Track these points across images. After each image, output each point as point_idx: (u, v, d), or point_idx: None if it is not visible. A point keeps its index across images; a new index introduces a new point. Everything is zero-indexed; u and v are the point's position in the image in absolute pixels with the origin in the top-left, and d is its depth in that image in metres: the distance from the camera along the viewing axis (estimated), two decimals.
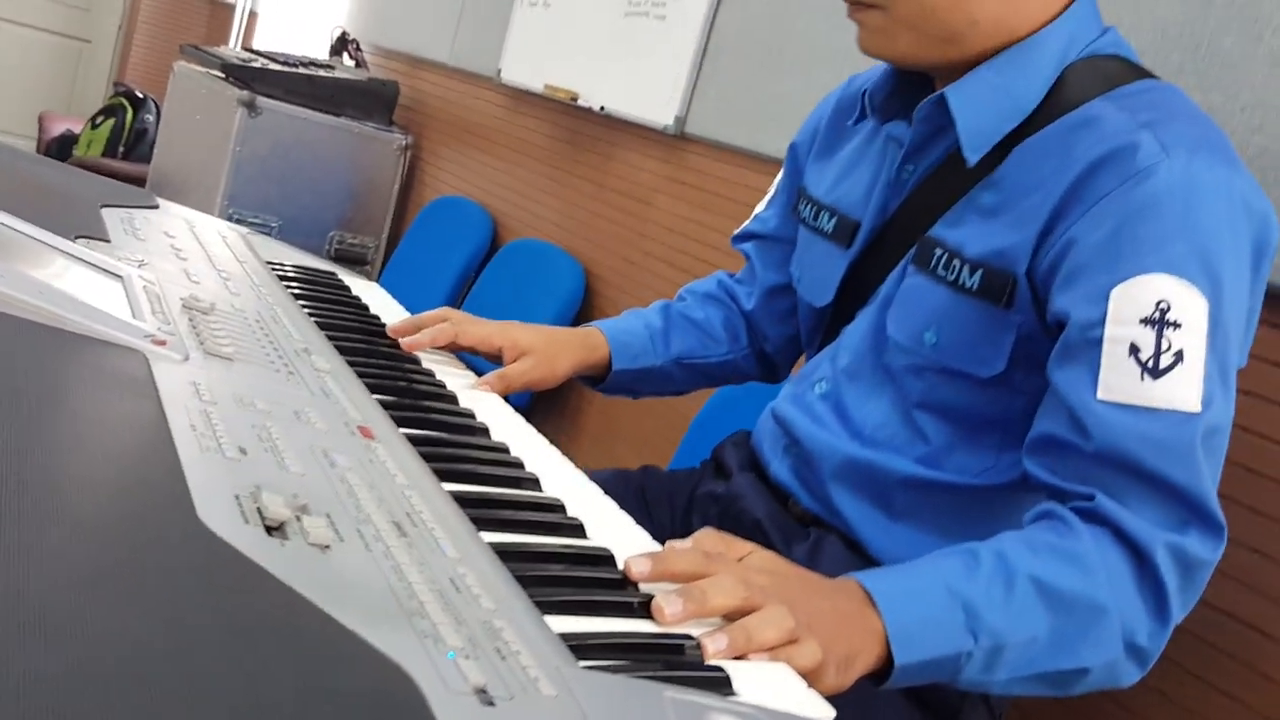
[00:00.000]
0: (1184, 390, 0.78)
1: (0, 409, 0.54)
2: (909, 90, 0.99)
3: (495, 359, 1.11)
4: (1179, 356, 0.78)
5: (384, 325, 1.09)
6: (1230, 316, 0.80)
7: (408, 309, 1.25)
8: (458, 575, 0.57)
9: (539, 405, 2.43)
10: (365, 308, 1.15)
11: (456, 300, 2.81)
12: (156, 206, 1.16)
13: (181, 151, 3.34)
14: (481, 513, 0.69)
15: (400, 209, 3.28)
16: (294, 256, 1.25)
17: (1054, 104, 0.89)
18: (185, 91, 3.34)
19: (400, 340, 1.05)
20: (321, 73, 3.21)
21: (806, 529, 1.00)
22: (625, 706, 0.51)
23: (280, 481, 0.59)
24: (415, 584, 0.54)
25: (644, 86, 2.34)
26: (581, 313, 2.43)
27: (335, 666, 0.44)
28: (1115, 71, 0.90)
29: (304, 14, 4.09)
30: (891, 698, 0.94)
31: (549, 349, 1.11)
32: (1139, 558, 0.77)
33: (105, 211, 1.05)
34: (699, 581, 0.67)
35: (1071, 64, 0.90)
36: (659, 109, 2.27)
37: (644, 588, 0.67)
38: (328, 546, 0.54)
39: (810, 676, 0.66)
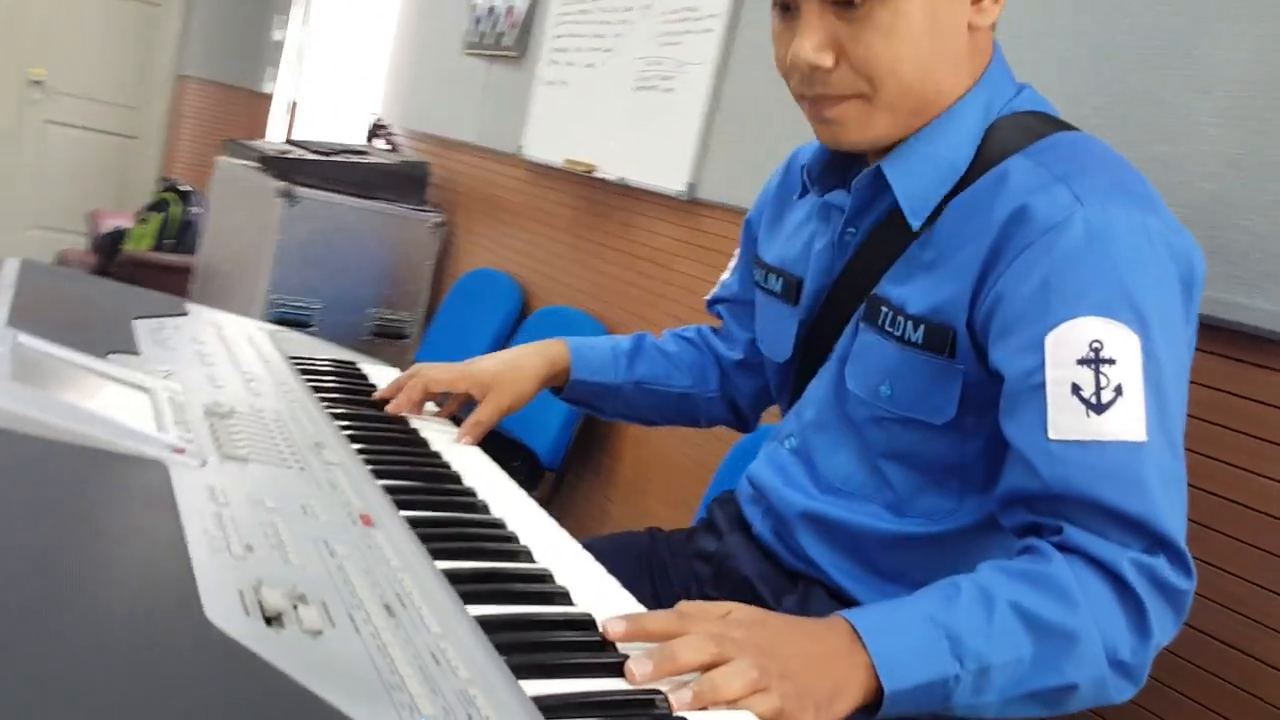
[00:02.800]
0: (1128, 423, 0.83)
1: (34, 526, 0.62)
2: (843, 163, 1.07)
3: (468, 401, 1.20)
4: (1119, 390, 0.83)
5: (386, 414, 1.18)
6: (1163, 349, 0.84)
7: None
8: (439, 649, 0.64)
9: (572, 461, 2.51)
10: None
11: None
12: (186, 314, 1.26)
13: (226, 242, 3.50)
14: (470, 587, 0.76)
15: (436, 283, 3.39)
16: (320, 349, 1.34)
17: (980, 162, 0.95)
18: (228, 184, 3.51)
19: (386, 407, 1.17)
20: (355, 159, 3.36)
21: (795, 582, 1.06)
22: None
23: (281, 575, 0.67)
24: (397, 660, 0.61)
25: (657, 156, 2.43)
26: None
27: None
28: (1032, 126, 0.95)
29: (341, 103, 4.27)
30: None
31: (511, 374, 1.20)
32: (1113, 578, 0.81)
33: (136, 324, 1.15)
34: (670, 641, 0.72)
35: (994, 123, 0.96)
36: (672, 176, 2.36)
37: (622, 648, 0.73)
38: (320, 632, 0.61)
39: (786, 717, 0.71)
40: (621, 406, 1.30)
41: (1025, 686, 0.80)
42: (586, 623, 0.76)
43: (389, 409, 1.18)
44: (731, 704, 0.70)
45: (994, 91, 0.98)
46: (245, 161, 3.40)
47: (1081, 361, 0.84)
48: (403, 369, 1.26)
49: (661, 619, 0.75)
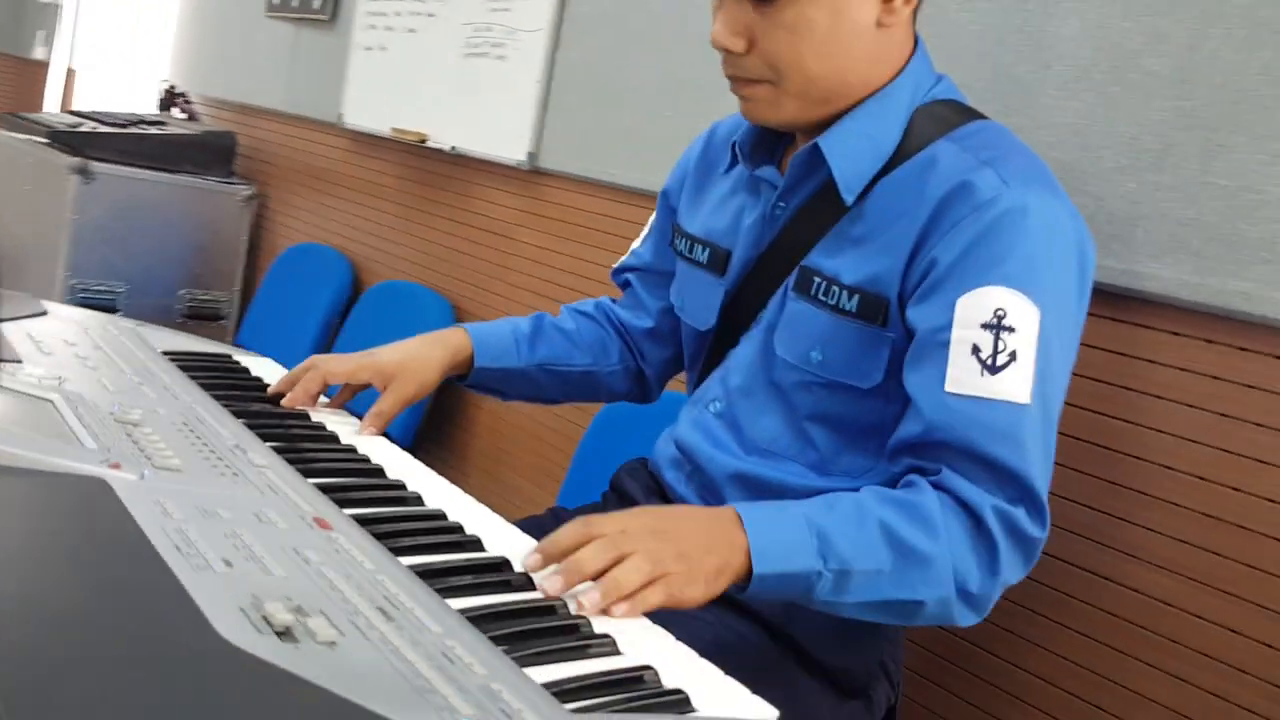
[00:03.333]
0: (1016, 385, 0.92)
1: (6, 559, 0.58)
2: (773, 140, 1.12)
3: (362, 390, 1.18)
4: (1013, 356, 0.92)
5: (281, 407, 1.14)
6: (1056, 325, 0.94)
7: (279, 362, 1.31)
8: (447, 647, 0.64)
9: (424, 439, 2.47)
10: (267, 388, 1.19)
11: (324, 348, 2.81)
12: (45, 313, 1.17)
13: (11, 225, 3.22)
14: (442, 582, 0.76)
15: (251, 260, 3.24)
16: (185, 343, 1.28)
17: (905, 146, 1.01)
18: (8, 161, 3.22)
19: (282, 401, 1.13)
20: (154, 130, 3.16)
21: None
22: None
23: (271, 587, 0.65)
24: (415, 663, 0.61)
25: (493, 125, 2.40)
26: None
27: None
28: (951, 114, 1.03)
29: (126, 70, 3.98)
30: (812, 686, 1.05)
31: (414, 363, 1.18)
32: (973, 519, 0.91)
33: (2, 327, 1.06)
34: (575, 555, 0.80)
35: (916, 109, 1.03)
36: (511, 145, 2.34)
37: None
38: (334, 643, 0.60)
39: (678, 596, 0.81)
40: (525, 388, 1.29)
41: (879, 595, 0.90)
42: (554, 608, 0.78)
43: (285, 402, 1.14)
44: (630, 597, 0.78)
45: (917, 81, 1.04)
46: (28, 136, 3.13)
47: (985, 325, 0.92)
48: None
49: (569, 532, 0.82)
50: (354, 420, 1.16)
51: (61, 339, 1.10)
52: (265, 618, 0.60)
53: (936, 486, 0.93)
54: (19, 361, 0.96)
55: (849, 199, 1.02)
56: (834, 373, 1.03)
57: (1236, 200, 1.14)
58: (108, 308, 2.96)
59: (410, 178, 2.71)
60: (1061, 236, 0.95)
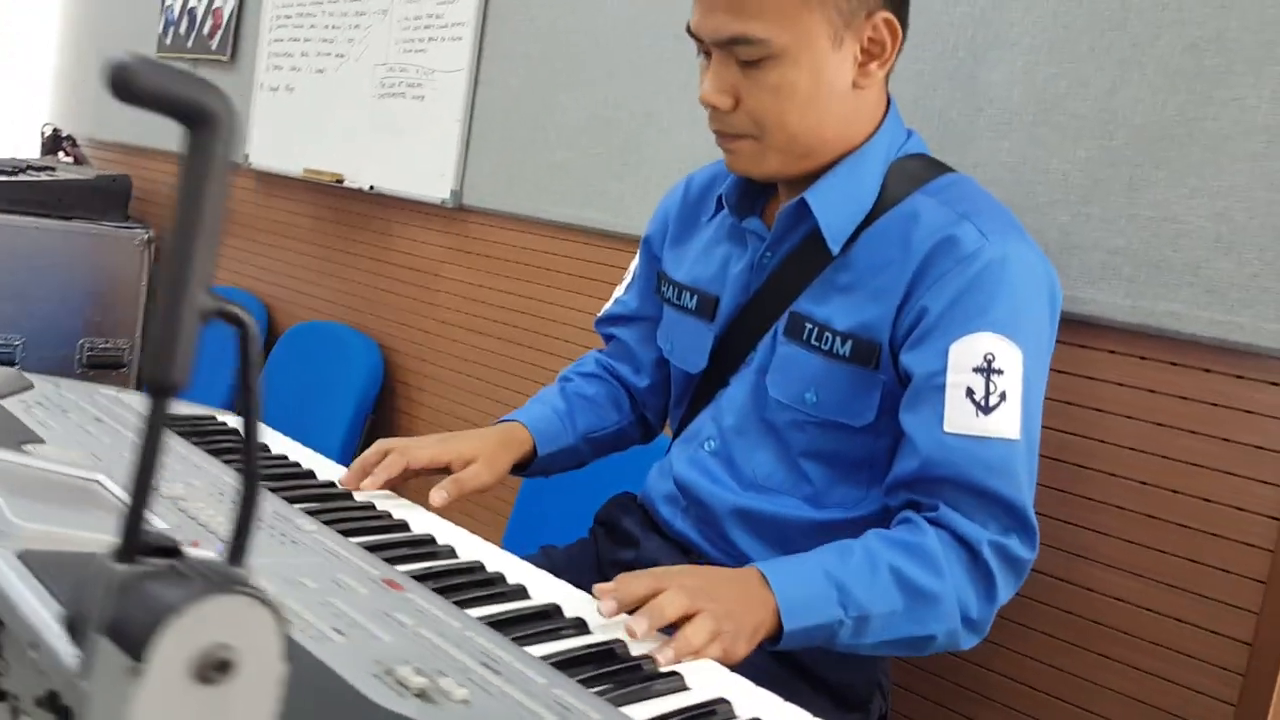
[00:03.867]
0: (1007, 423, 1.01)
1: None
2: (755, 191, 1.19)
3: (444, 472, 1.18)
4: (1003, 396, 1.01)
5: (298, 465, 1.15)
6: (1035, 364, 1.04)
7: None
8: (557, 697, 0.68)
9: None
10: (279, 453, 1.20)
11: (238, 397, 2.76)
12: (32, 386, 1.16)
13: None
14: (514, 632, 0.80)
15: (152, 306, 3.16)
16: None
17: (883, 199, 1.10)
18: None
19: (356, 487, 1.12)
20: (43, 176, 3.06)
21: None
22: None
23: (388, 652, 0.68)
24: (540, 713, 0.65)
25: (414, 164, 2.42)
26: (385, 387, 2.48)
27: None
28: (922, 169, 1.12)
29: (3, 113, 3.82)
30: (817, 702, 1.12)
31: (491, 452, 1.21)
32: (971, 554, 1.01)
33: (3, 404, 1.05)
34: (653, 601, 0.87)
35: (891, 164, 1.12)
36: (434, 184, 2.36)
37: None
38: (468, 700, 0.64)
39: (730, 652, 0.88)
40: (569, 461, 1.33)
41: (895, 634, 0.99)
42: (616, 652, 0.83)
43: (365, 486, 1.12)
44: (697, 653, 0.85)
45: (891, 138, 1.13)
46: None
47: (976, 369, 1.01)
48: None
49: (642, 583, 0.89)
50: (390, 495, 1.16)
51: (59, 410, 1.09)
52: (400, 682, 0.64)
53: (934, 523, 1.01)
54: (42, 441, 0.95)
55: (835, 249, 1.10)
56: (828, 412, 1.10)
57: (1161, 230, 1.26)
58: (7, 361, 2.86)
59: (326, 217, 2.70)
60: (1035, 281, 1.05)
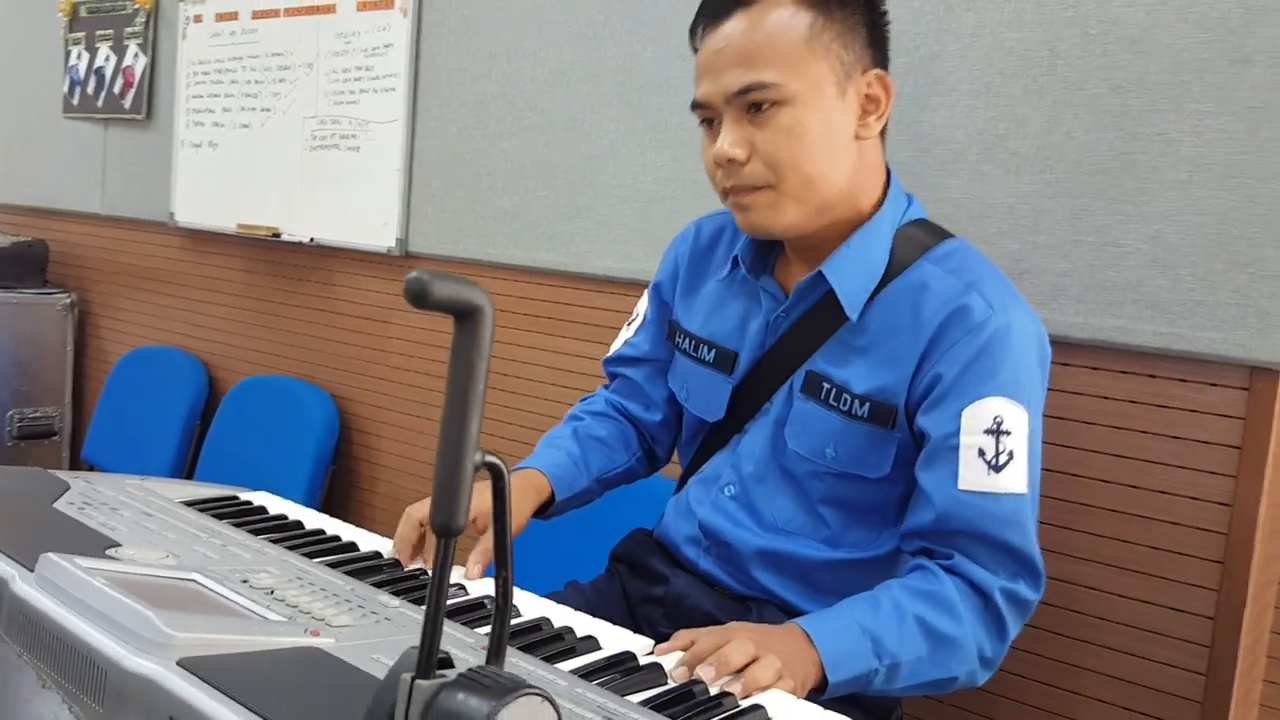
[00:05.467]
0: (1015, 479, 1.12)
1: None
2: (766, 250, 1.28)
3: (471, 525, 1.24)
4: (1011, 455, 1.12)
5: (339, 539, 1.20)
6: (1035, 421, 1.15)
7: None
8: None
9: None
10: (312, 529, 1.24)
11: (190, 453, 2.74)
12: (70, 486, 1.18)
13: None
14: (604, 680, 0.89)
15: (79, 369, 3.11)
16: (186, 491, 1.30)
17: (892, 266, 1.19)
18: None
19: (411, 561, 1.17)
20: None
21: (747, 605, 1.25)
22: None
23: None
24: None
25: (356, 214, 2.45)
26: (342, 438, 2.50)
27: None
28: (925, 236, 1.22)
29: None
30: (850, 713, 1.22)
31: (514, 505, 1.26)
32: (984, 599, 1.12)
33: (56, 508, 1.08)
34: (720, 651, 0.96)
35: (897, 231, 1.21)
36: (378, 233, 2.40)
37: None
38: None
39: (781, 687, 0.97)
40: (583, 501, 1.39)
41: (922, 677, 1.10)
42: (695, 691, 0.91)
43: (415, 564, 1.17)
44: (765, 688, 0.95)
45: (895, 205, 1.22)
46: None
47: (987, 431, 1.12)
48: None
49: (707, 640, 0.98)
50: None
51: (109, 509, 1.12)
52: None
53: (950, 570, 1.12)
54: (119, 544, 0.99)
55: (853, 316, 1.18)
56: (846, 466, 1.20)
57: (1103, 254, 1.40)
58: None
59: (263, 271, 2.70)
60: (1032, 344, 1.16)
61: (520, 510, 1.28)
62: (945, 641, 1.09)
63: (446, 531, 0.49)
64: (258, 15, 2.66)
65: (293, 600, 0.92)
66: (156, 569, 0.92)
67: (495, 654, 0.52)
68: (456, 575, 1.15)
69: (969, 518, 1.11)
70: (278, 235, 2.59)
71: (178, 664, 0.73)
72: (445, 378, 0.51)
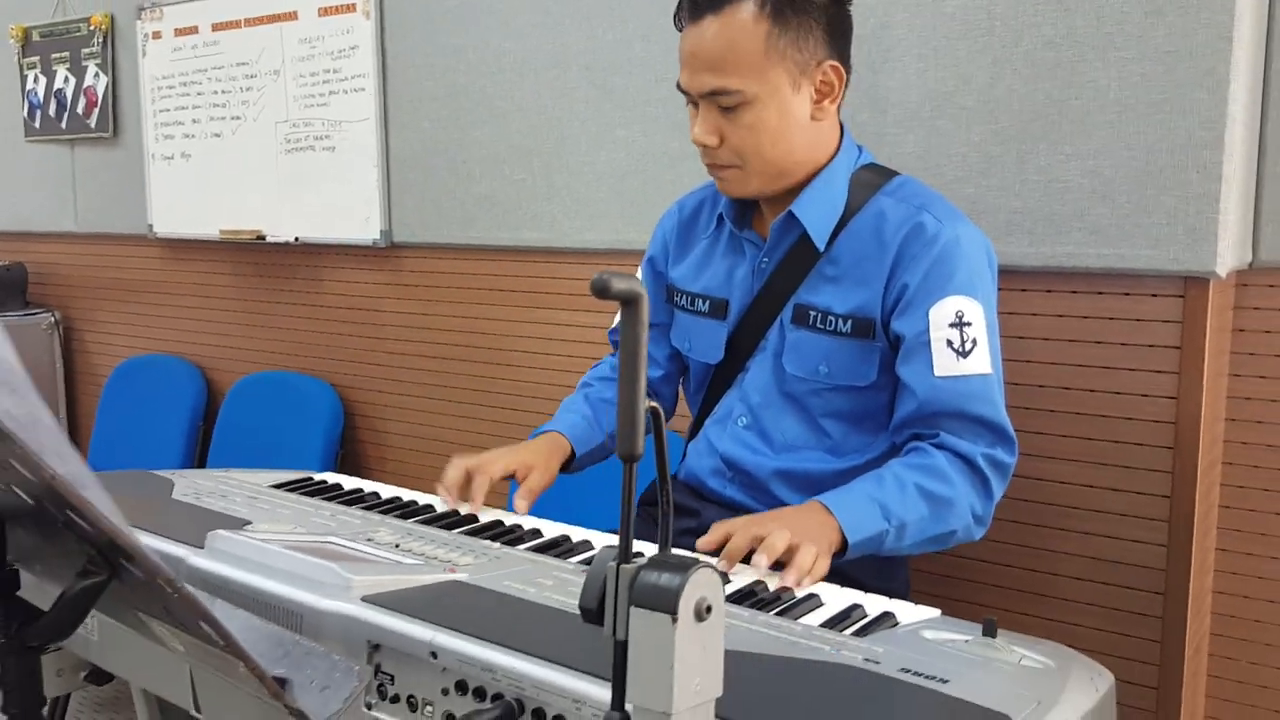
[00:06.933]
0: (980, 362, 1.33)
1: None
2: (746, 208, 1.48)
3: (510, 478, 1.43)
4: (975, 342, 1.32)
5: (415, 503, 1.37)
6: (990, 313, 1.35)
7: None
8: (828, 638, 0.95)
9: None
10: (389, 497, 1.40)
11: (199, 451, 2.86)
12: (174, 482, 1.33)
13: None
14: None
15: (71, 387, 3.19)
16: (268, 476, 1.45)
17: (851, 203, 1.39)
18: None
19: (462, 504, 1.36)
20: None
21: None
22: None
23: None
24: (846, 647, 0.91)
25: (337, 211, 2.57)
26: (347, 424, 2.64)
27: None
28: (876, 176, 1.42)
29: None
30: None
31: (545, 460, 1.46)
32: (969, 465, 1.32)
33: (176, 499, 1.22)
34: (765, 543, 1.15)
35: (851, 175, 1.41)
36: (361, 227, 2.52)
37: None
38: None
39: (820, 564, 1.16)
40: (600, 455, 1.58)
41: (925, 534, 1.30)
42: (759, 591, 1.10)
43: (472, 506, 1.36)
44: (811, 572, 1.14)
45: (848, 155, 1.42)
46: None
47: (952, 325, 1.32)
48: None
49: (743, 535, 1.17)
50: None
51: (220, 497, 1.26)
52: None
53: (938, 446, 1.32)
54: (250, 522, 1.14)
55: (821, 245, 1.39)
56: (838, 379, 1.39)
57: (1048, 190, 1.60)
58: None
59: (250, 273, 2.80)
60: (980, 250, 1.37)
61: (551, 465, 1.47)
62: (942, 501, 1.28)
63: (630, 458, 0.66)
64: (218, 27, 2.75)
65: (418, 550, 1.08)
66: (296, 536, 1.08)
67: (664, 545, 0.69)
68: (493, 513, 1.33)
69: (946, 400, 1.31)
70: (262, 238, 2.70)
71: (362, 600, 0.89)
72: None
